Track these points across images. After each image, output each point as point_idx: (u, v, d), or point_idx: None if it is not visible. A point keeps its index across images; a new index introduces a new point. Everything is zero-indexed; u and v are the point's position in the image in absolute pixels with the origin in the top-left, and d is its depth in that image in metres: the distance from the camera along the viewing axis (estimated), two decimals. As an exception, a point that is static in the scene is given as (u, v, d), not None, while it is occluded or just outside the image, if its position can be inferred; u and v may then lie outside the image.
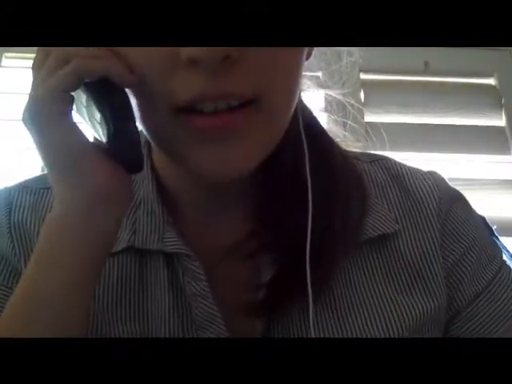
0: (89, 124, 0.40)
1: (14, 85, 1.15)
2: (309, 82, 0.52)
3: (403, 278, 0.46)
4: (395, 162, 0.53)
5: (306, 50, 0.41)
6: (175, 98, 0.36)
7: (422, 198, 0.49)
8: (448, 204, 0.50)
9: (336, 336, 0.44)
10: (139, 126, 0.40)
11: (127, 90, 0.38)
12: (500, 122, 1.22)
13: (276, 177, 0.46)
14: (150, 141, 0.42)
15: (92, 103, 0.37)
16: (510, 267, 0.50)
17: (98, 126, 0.38)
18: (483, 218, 0.52)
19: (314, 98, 0.54)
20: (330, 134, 0.50)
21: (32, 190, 0.50)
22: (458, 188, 0.53)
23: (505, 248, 0.51)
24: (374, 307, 0.45)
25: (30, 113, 0.36)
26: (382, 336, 0.44)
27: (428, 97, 1.22)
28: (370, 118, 1.13)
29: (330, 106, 0.61)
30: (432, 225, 0.48)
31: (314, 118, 0.50)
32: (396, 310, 0.45)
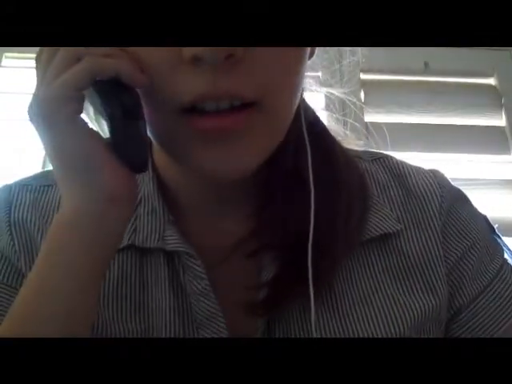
0: (93, 122, 0.40)
1: (14, 85, 1.15)
2: (310, 81, 0.52)
3: (405, 276, 0.46)
4: (397, 160, 0.53)
5: (308, 49, 0.41)
6: (178, 97, 0.36)
7: (423, 197, 0.49)
8: (450, 202, 0.50)
9: (337, 334, 0.44)
10: None
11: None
12: (500, 121, 1.22)
13: (278, 176, 0.46)
14: (153, 140, 0.42)
15: (100, 102, 0.37)
16: (511, 266, 0.50)
17: (104, 125, 0.38)
18: (485, 217, 0.52)
19: (315, 97, 0.54)
20: (332, 133, 0.50)
21: (32, 187, 0.50)
22: (457, 188, 0.53)
23: (506, 246, 0.51)
24: (376, 305, 0.45)
25: (41, 111, 0.36)
26: (383, 334, 0.44)
27: (428, 97, 1.22)
28: (370, 117, 1.13)
29: (331, 104, 0.61)
30: (434, 223, 0.48)
31: (316, 117, 0.50)
32: (397, 308, 0.45)
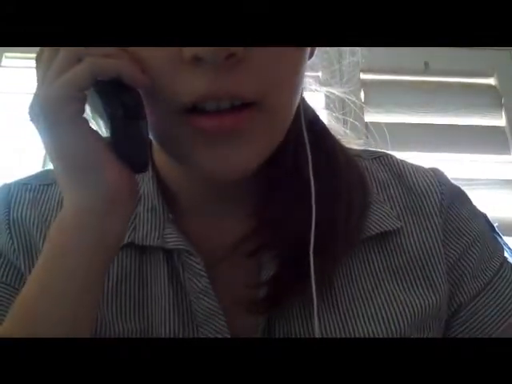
0: (93, 122, 0.40)
1: (14, 85, 1.15)
2: (310, 81, 0.52)
3: (405, 273, 0.47)
4: (396, 158, 0.53)
5: (308, 50, 0.41)
6: (179, 97, 0.36)
7: (423, 195, 0.49)
8: (450, 200, 0.50)
9: (337, 331, 0.44)
10: None
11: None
12: (500, 121, 1.22)
13: (278, 175, 0.46)
14: (153, 139, 0.42)
15: (101, 102, 0.37)
16: (511, 264, 0.50)
17: (105, 125, 0.38)
18: (484, 215, 0.52)
19: (314, 97, 0.54)
20: (332, 132, 0.50)
21: (32, 186, 0.50)
22: (457, 188, 0.53)
23: (506, 245, 0.52)
24: (376, 302, 0.45)
25: (43, 111, 0.36)
26: (384, 331, 0.44)
27: (428, 97, 1.22)
28: (370, 117, 1.13)
29: (331, 103, 0.61)
30: (434, 221, 0.48)
31: (316, 116, 0.50)
32: (398, 305, 0.45)
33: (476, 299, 0.47)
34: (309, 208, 0.43)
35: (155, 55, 0.36)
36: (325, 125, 0.50)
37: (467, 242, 0.49)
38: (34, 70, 0.38)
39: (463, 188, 0.53)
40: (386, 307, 0.45)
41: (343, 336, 0.44)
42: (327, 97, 0.60)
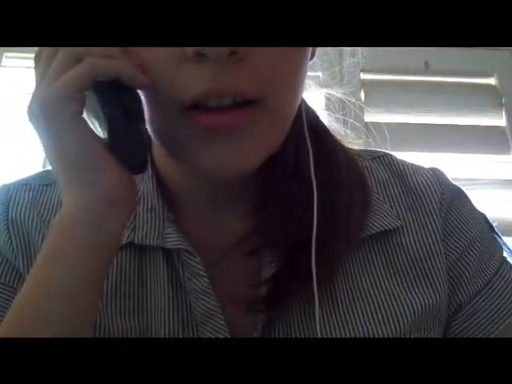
0: (91, 122, 0.40)
1: (14, 85, 1.15)
2: (310, 82, 0.52)
3: (405, 272, 0.47)
4: (396, 158, 0.53)
5: (310, 50, 0.41)
6: (181, 95, 0.36)
7: (423, 194, 0.49)
8: (450, 200, 0.50)
9: (337, 330, 0.44)
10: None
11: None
12: (500, 121, 1.22)
13: (279, 175, 0.46)
14: (154, 139, 0.42)
15: (99, 102, 0.37)
16: (510, 264, 0.50)
17: (101, 125, 0.38)
18: (484, 215, 0.52)
19: (315, 97, 0.54)
20: (332, 132, 0.50)
21: (31, 186, 0.50)
22: (457, 188, 0.53)
23: (505, 245, 0.52)
24: (376, 301, 0.45)
25: (42, 111, 0.36)
26: (384, 330, 0.44)
27: (428, 97, 1.22)
28: (370, 117, 1.13)
29: (331, 104, 0.61)
30: (434, 220, 0.48)
31: (317, 117, 0.50)
32: (397, 304, 0.45)
33: (475, 299, 0.48)
34: (309, 207, 0.43)
35: (157, 53, 0.36)
36: (325, 125, 0.50)
37: (467, 241, 0.49)
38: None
39: (463, 188, 0.53)
40: (386, 306, 0.45)
41: (343, 335, 0.44)
42: (327, 98, 0.60)
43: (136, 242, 0.45)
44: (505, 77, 1.24)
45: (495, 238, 0.52)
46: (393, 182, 0.50)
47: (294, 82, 0.39)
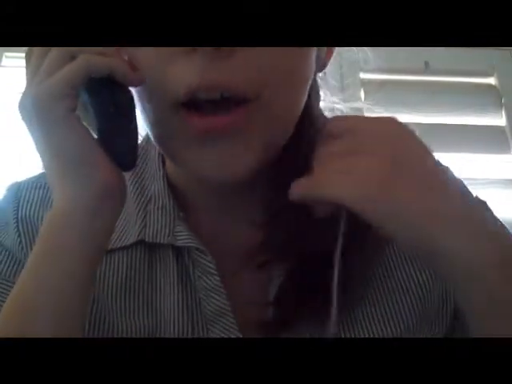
0: (83, 119, 0.40)
1: (14, 85, 1.15)
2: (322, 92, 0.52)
3: (414, 262, 0.47)
4: None
5: (311, 52, 0.41)
6: (173, 89, 0.36)
7: None
8: None
9: (345, 331, 0.43)
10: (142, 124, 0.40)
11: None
12: (500, 121, 1.22)
13: (288, 180, 0.45)
14: (152, 139, 0.42)
15: (91, 99, 0.37)
16: None
17: (91, 122, 0.38)
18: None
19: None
20: None
21: (41, 185, 0.50)
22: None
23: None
24: (388, 300, 0.45)
25: (35, 108, 0.36)
26: (393, 329, 0.44)
27: (428, 97, 1.22)
28: (370, 117, 1.13)
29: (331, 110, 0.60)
30: None
31: (325, 119, 0.49)
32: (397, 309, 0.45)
33: None
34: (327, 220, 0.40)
35: (147, 49, 0.36)
36: None
37: None
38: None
39: (463, 188, 0.53)
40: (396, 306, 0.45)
41: (348, 333, 0.43)
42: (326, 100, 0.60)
43: (146, 239, 0.45)
44: (505, 77, 1.25)
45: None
46: None
47: (291, 83, 0.39)
